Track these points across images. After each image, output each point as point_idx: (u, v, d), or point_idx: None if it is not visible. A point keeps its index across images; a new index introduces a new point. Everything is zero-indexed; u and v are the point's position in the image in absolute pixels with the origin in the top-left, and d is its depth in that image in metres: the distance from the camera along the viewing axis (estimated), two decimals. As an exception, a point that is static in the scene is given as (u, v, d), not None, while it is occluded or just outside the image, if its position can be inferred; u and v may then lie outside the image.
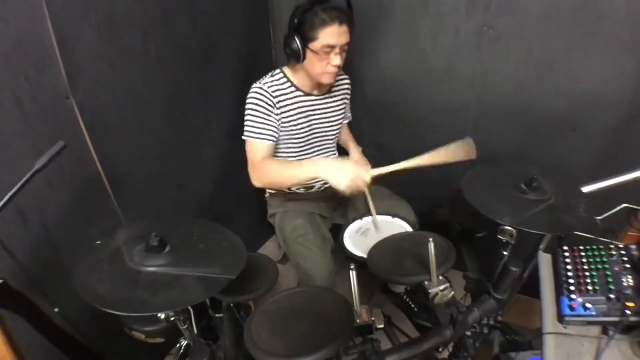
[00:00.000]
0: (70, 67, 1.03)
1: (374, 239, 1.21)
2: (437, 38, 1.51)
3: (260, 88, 1.33)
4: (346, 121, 1.66)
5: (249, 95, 1.35)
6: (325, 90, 1.47)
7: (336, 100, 1.51)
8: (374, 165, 1.60)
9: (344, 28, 1.25)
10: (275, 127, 1.35)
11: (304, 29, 1.23)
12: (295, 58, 1.28)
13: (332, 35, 1.23)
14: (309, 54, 1.27)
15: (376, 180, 1.26)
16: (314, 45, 1.25)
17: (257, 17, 1.73)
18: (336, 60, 1.28)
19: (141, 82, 1.25)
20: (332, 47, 1.25)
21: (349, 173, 1.20)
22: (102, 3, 1.08)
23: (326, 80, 1.35)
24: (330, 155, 1.60)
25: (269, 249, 2.17)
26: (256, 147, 1.33)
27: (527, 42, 1.38)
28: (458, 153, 1.22)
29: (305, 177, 1.28)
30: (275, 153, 1.43)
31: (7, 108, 0.94)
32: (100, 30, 1.09)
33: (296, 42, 1.25)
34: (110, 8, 1.10)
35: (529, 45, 1.38)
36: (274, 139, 1.35)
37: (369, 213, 1.44)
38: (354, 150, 1.66)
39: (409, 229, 1.37)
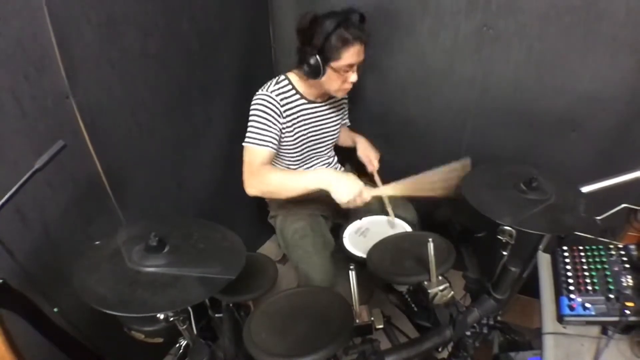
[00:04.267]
0: (70, 67, 1.03)
1: (373, 239, 1.21)
2: (437, 38, 1.51)
3: (268, 96, 1.32)
4: (344, 125, 1.66)
5: (255, 101, 1.33)
6: (327, 97, 1.47)
7: (337, 107, 1.52)
8: (380, 161, 1.61)
9: (363, 47, 1.27)
10: (278, 136, 1.34)
11: (326, 48, 1.23)
12: (314, 75, 1.28)
13: (353, 54, 1.24)
14: (328, 71, 1.27)
15: (382, 176, 1.26)
16: (336, 64, 1.25)
17: (257, 17, 1.73)
18: (354, 77, 1.30)
19: (141, 82, 1.25)
20: (353, 65, 1.27)
21: (352, 189, 1.19)
22: (102, 3, 1.08)
23: (341, 94, 1.38)
24: (328, 160, 1.60)
25: (269, 248, 2.17)
26: (256, 154, 1.31)
27: (527, 42, 1.37)
28: (455, 176, 1.21)
29: (307, 187, 1.26)
30: (275, 159, 1.42)
31: (7, 108, 0.94)
32: (100, 30, 1.09)
33: (317, 60, 1.24)
34: (110, 8, 1.10)
35: (529, 45, 1.38)
36: (275, 148, 1.34)
37: (369, 213, 1.44)
38: (362, 141, 1.66)
39: (409, 229, 1.37)
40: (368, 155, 1.61)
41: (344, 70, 1.27)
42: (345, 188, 1.20)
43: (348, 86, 1.32)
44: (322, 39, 1.21)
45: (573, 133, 1.44)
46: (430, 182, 1.23)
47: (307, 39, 1.25)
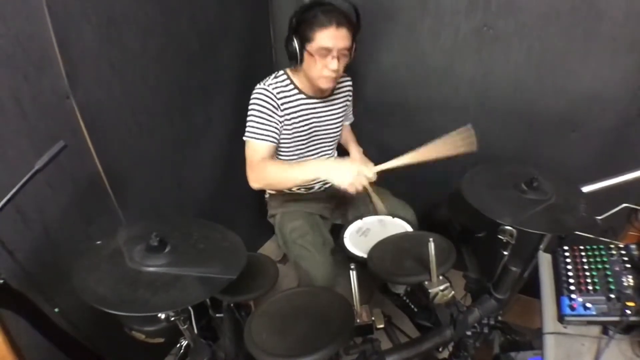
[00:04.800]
0: (70, 67, 1.03)
1: (374, 239, 1.21)
2: (437, 38, 1.51)
3: (265, 89, 1.32)
4: (347, 122, 1.66)
5: (253, 95, 1.33)
6: (328, 93, 1.46)
7: (338, 103, 1.51)
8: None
9: (342, 32, 1.23)
10: (278, 129, 1.34)
11: (301, 29, 1.23)
12: (294, 59, 1.28)
13: (328, 37, 1.21)
14: (306, 55, 1.26)
15: (379, 176, 1.26)
16: (311, 46, 1.23)
17: (257, 17, 1.73)
18: (333, 64, 1.25)
19: (141, 82, 1.25)
20: (329, 50, 1.23)
21: (350, 171, 1.20)
22: (102, 3, 1.08)
23: (323, 84, 1.32)
24: (331, 158, 1.59)
25: (269, 248, 2.17)
26: (257, 148, 1.32)
27: (527, 42, 1.38)
28: (459, 144, 1.19)
29: (306, 178, 1.27)
30: (275, 155, 1.42)
31: (7, 108, 0.94)
32: (100, 30, 1.09)
33: (294, 43, 1.24)
34: (110, 8, 1.10)
35: (529, 45, 1.38)
36: (275, 141, 1.35)
37: (369, 213, 1.44)
38: (355, 150, 1.67)
39: (409, 229, 1.37)
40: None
41: (320, 54, 1.24)
42: (343, 172, 1.20)
43: (329, 74, 1.27)
44: (297, 20, 1.22)
45: (573, 133, 1.44)
46: (433, 151, 1.21)
47: (289, 27, 1.26)
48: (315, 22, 1.21)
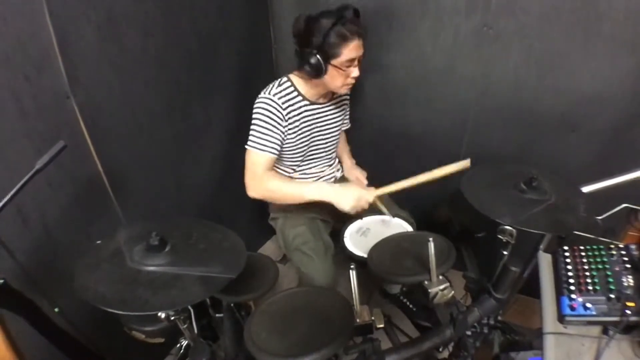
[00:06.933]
0: (70, 67, 1.03)
1: (374, 239, 1.22)
2: (437, 38, 1.51)
3: (271, 99, 1.31)
4: (345, 128, 1.66)
5: (258, 104, 1.33)
6: (329, 97, 1.47)
7: (338, 107, 1.52)
8: (372, 168, 1.62)
9: (361, 41, 1.28)
10: (280, 141, 1.34)
11: (325, 46, 1.24)
12: (316, 74, 1.29)
13: (353, 50, 1.25)
14: (330, 69, 1.28)
15: (380, 177, 1.29)
16: (337, 61, 1.26)
17: (257, 17, 1.73)
18: (356, 72, 1.31)
19: (141, 82, 1.25)
20: (353, 60, 1.28)
21: (353, 196, 1.28)
22: (102, 3, 1.08)
23: (345, 91, 1.39)
24: (330, 163, 1.60)
25: (269, 248, 2.17)
26: (259, 159, 1.32)
27: (527, 42, 1.37)
28: (455, 169, 1.27)
29: (308, 198, 1.31)
30: (277, 161, 1.43)
31: (7, 108, 0.94)
32: (100, 30, 1.09)
33: (317, 59, 1.25)
34: (110, 8, 1.11)
35: (529, 45, 1.38)
36: (277, 153, 1.35)
37: (370, 213, 1.43)
38: (348, 162, 1.70)
39: (409, 228, 1.37)
40: (354, 174, 1.65)
41: (345, 66, 1.27)
42: (346, 197, 1.28)
43: (351, 81, 1.33)
44: (320, 38, 1.22)
45: (573, 133, 1.44)
46: (430, 180, 1.28)
47: (305, 40, 1.26)
48: (341, 38, 1.23)
